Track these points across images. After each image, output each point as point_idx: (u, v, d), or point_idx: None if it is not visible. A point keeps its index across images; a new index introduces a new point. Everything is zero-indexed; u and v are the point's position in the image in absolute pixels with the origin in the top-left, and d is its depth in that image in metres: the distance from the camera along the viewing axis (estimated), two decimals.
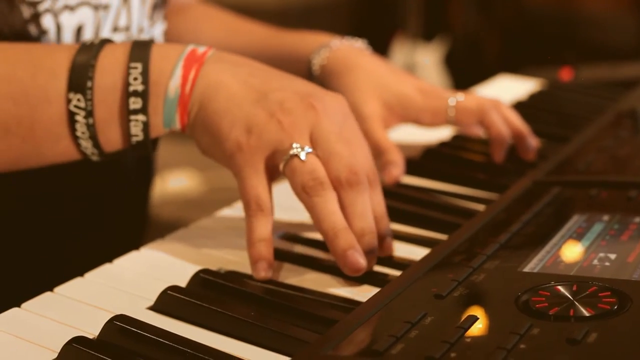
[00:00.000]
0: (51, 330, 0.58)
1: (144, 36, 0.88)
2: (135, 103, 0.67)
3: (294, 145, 0.65)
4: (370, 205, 0.67)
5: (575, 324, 0.54)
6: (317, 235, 0.71)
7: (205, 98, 0.68)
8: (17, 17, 0.74)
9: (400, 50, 3.01)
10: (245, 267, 0.67)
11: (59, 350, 0.55)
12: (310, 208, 0.65)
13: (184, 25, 1.01)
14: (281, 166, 0.66)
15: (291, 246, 0.72)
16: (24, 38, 0.74)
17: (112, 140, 0.69)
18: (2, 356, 0.56)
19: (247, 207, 0.66)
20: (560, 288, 0.58)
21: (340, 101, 0.70)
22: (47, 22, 0.77)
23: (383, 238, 0.69)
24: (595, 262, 0.63)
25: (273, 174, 0.68)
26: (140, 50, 0.68)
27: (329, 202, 0.65)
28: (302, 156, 0.65)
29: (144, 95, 0.67)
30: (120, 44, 0.70)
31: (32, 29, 0.76)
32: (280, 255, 0.69)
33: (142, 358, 0.54)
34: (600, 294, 0.57)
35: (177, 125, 0.69)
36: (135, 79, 0.67)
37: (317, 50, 0.94)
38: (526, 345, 0.51)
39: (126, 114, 0.68)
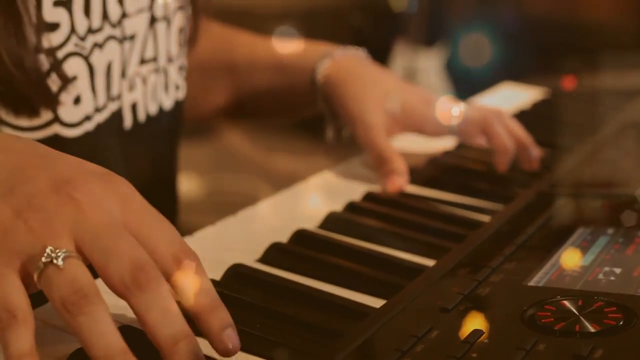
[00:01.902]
0: (56, 339, 0.58)
1: (174, 65, 0.86)
2: None
3: (48, 249, 0.51)
4: (174, 303, 0.51)
5: (581, 339, 0.54)
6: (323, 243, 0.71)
7: None
8: (34, 71, 0.70)
9: (401, 56, 3.01)
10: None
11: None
12: (74, 330, 0.50)
13: None
14: (35, 277, 0.51)
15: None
16: (43, 93, 0.71)
17: None
18: None
19: None
20: (566, 303, 0.58)
21: (114, 183, 0.55)
22: (75, 66, 0.73)
23: (221, 330, 0.53)
24: (601, 276, 0.62)
25: (30, 286, 0.52)
26: None
27: (99, 322, 0.49)
28: (59, 262, 0.50)
29: None
30: None
31: (53, 83, 0.71)
32: (286, 264, 0.69)
33: None
34: (605, 310, 0.57)
35: None
36: None
37: (319, 60, 0.94)
38: None
39: None
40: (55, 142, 0.73)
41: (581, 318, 0.56)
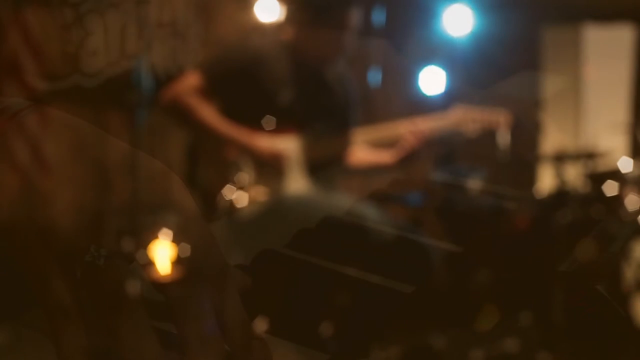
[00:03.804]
0: None
1: (192, 32, 0.87)
2: None
3: (92, 248, 0.51)
4: (208, 306, 0.51)
5: (611, 322, 0.54)
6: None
7: None
8: (56, 22, 0.72)
9: None
10: None
11: None
12: (110, 332, 0.50)
13: None
14: (77, 275, 0.51)
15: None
16: (63, 46, 0.73)
17: None
18: None
19: (50, 319, 0.51)
20: (598, 287, 0.58)
21: (162, 173, 0.55)
22: (92, 22, 0.75)
23: (247, 343, 0.52)
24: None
25: (74, 282, 0.52)
26: None
27: (135, 325, 0.49)
28: (101, 262, 0.50)
29: None
30: None
31: (76, 33, 0.74)
32: (314, 250, 0.69)
33: None
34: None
35: None
36: None
37: None
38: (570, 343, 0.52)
39: None
40: (76, 92, 0.74)
41: (614, 302, 0.56)
